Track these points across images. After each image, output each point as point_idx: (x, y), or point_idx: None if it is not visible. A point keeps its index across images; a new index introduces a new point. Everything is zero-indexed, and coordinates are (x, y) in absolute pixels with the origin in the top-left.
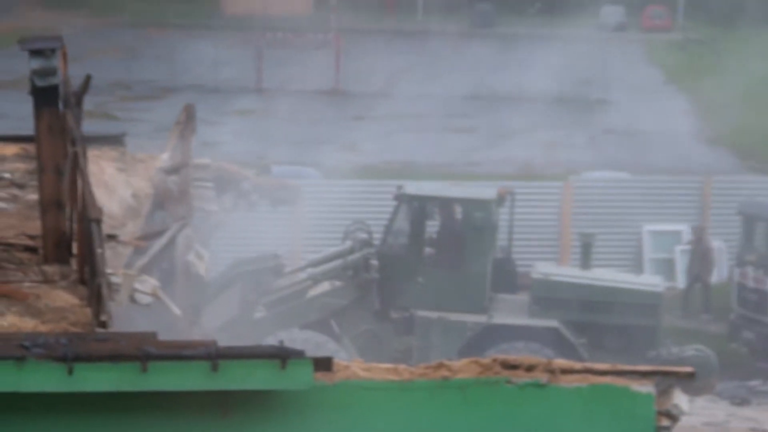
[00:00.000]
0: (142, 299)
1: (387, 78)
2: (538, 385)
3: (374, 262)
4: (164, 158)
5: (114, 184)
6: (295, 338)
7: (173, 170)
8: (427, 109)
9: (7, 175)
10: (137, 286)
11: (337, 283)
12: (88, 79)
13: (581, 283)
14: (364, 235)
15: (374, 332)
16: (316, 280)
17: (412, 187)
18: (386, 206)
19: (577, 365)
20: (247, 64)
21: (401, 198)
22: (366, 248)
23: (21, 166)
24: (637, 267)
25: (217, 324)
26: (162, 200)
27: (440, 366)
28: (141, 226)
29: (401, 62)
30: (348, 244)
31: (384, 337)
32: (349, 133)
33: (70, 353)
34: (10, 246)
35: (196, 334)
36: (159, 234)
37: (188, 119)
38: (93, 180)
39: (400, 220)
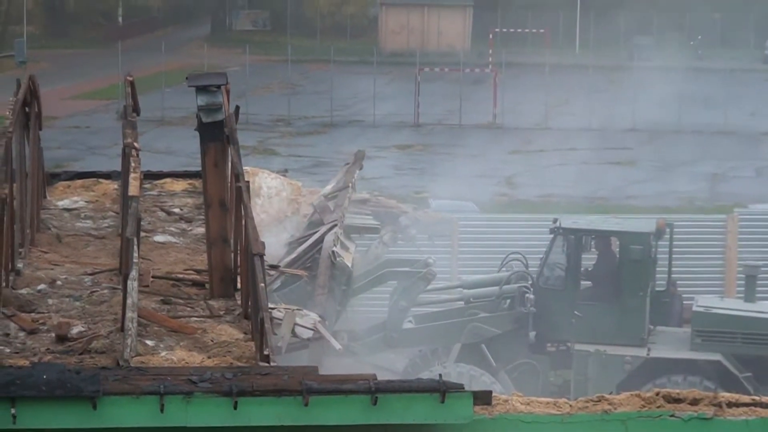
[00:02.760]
0: (303, 333)
1: (544, 111)
2: (704, 419)
3: (530, 296)
4: (327, 189)
5: (273, 195)
6: (450, 371)
7: (333, 196)
8: (585, 143)
9: (176, 210)
10: (298, 320)
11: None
12: (237, 111)
13: (745, 315)
14: (520, 267)
15: (531, 365)
16: (468, 302)
17: (568, 221)
18: (543, 240)
19: (745, 398)
20: (406, 99)
21: (557, 231)
22: (522, 280)
23: (189, 201)
24: None
25: (365, 326)
26: (320, 216)
27: (601, 399)
28: (297, 234)
29: (558, 96)
30: (505, 273)
31: (540, 370)
32: (507, 167)
33: (235, 388)
34: (179, 281)
35: (343, 336)
36: (309, 235)
37: (356, 161)
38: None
39: (556, 253)
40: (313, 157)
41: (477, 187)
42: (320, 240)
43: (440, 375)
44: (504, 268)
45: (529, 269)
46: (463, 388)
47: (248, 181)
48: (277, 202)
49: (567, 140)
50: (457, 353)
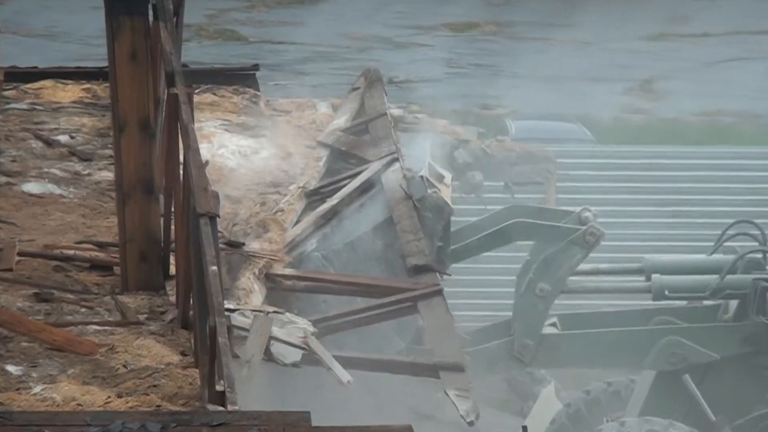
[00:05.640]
0: (284, 354)
1: None
2: None
3: None
4: (338, 122)
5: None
6: (634, 427)
7: (355, 131)
8: None
9: (63, 138)
10: (277, 331)
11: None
12: None
13: None
14: (754, 245)
15: None
16: (660, 297)
17: None
18: (716, 195)
19: None
20: None
21: None
22: (758, 270)
23: (86, 121)
24: None
25: (474, 322)
26: (347, 154)
27: None
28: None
29: None
30: (726, 256)
31: None
32: (643, 62)
33: None
34: (67, 261)
35: (451, 343)
36: (342, 180)
37: (370, 85)
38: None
39: None
40: (302, 44)
41: (590, 98)
42: (374, 182)
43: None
44: (720, 247)
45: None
46: None
47: (192, 88)
48: (258, 160)
49: (750, 17)
50: (649, 387)
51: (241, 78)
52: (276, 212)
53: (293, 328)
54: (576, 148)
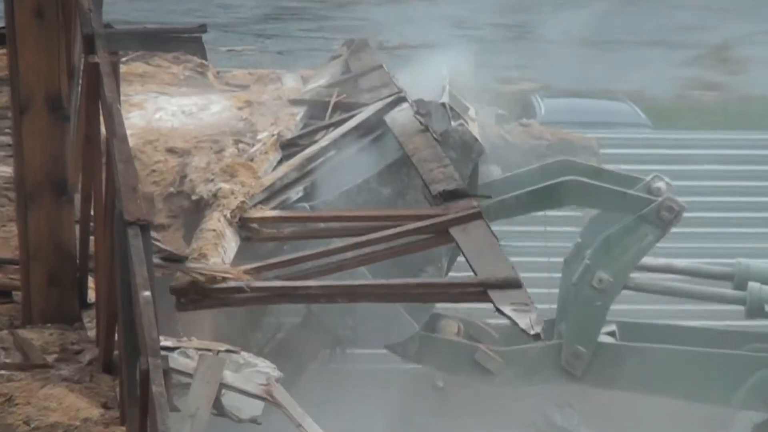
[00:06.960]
0: (240, 408)
1: None
2: None
3: None
4: (320, 83)
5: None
6: None
7: (343, 86)
8: None
9: None
10: (231, 377)
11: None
12: None
13: None
14: None
15: None
16: (757, 312)
17: None
18: None
19: None
20: None
21: None
22: None
23: None
24: None
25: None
26: (334, 105)
27: None
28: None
29: None
30: None
31: None
32: (713, 20)
33: None
34: None
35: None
36: (331, 126)
37: (354, 53)
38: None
39: None
40: None
41: (645, 69)
42: (376, 123)
43: None
44: None
45: None
46: None
47: (117, 55)
48: (208, 116)
49: None
50: None
51: (183, 42)
52: (246, 160)
53: (252, 372)
54: (626, 134)
